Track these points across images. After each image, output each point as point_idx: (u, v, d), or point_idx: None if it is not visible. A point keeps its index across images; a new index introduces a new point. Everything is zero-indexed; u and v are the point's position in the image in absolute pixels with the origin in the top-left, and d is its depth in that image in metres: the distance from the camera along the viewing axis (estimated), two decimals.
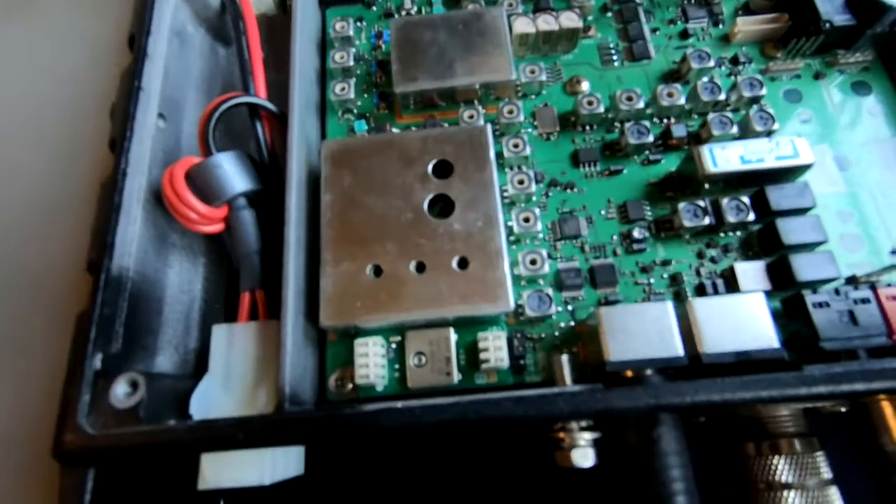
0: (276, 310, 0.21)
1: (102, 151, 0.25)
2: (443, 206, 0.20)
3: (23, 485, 0.21)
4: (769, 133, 0.21)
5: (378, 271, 0.19)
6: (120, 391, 0.17)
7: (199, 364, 0.22)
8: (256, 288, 0.21)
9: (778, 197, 0.20)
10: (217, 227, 0.21)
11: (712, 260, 0.20)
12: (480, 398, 0.16)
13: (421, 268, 0.19)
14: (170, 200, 0.20)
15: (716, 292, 0.20)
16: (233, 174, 0.21)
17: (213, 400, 0.19)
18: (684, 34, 0.25)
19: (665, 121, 0.23)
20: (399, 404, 0.17)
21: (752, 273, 0.20)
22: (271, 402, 0.19)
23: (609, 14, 0.25)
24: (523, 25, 0.24)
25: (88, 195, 0.26)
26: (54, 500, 0.17)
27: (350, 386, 0.20)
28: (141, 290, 0.20)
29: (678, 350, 0.17)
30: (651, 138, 0.22)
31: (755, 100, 0.22)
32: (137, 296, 0.20)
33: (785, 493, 0.19)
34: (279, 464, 0.19)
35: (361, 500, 0.21)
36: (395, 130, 0.24)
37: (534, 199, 0.22)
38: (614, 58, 0.25)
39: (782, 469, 0.18)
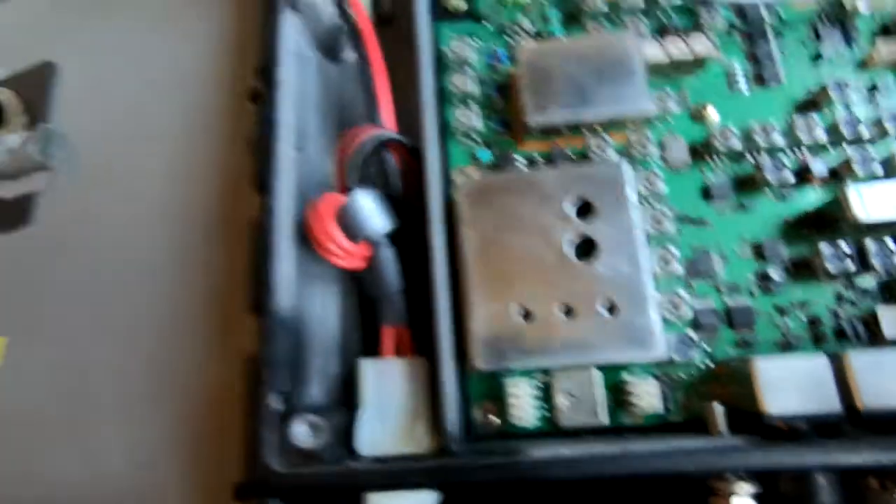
0: (421, 346, 0.22)
1: (226, 170, 0.25)
2: (585, 247, 0.21)
3: None
4: None
5: (527, 314, 0.20)
6: (300, 431, 0.18)
7: (341, 393, 0.23)
8: (400, 325, 0.22)
9: None
10: (358, 264, 0.22)
11: (851, 303, 0.21)
12: (651, 451, 0.17)
13: (569, 311, 0.20)
14: (317, 237, 0.21)
15: (857, 337, 0.20)
16: (375, 212, 0.21)
17: (371, 434, 0.20)
18: (817, 57, 0.24)
19: (800, 153, 0.22)
20: (565, 451, 0.18)
21: (895, 318, 0.20)
22: (429, 438, 0.20)
23: (735, 34, 0.25)
24: (654, 53, 0.23)
25: (210, 224, 0.27)
26: None
27: (495, 419, 0.21)
28: (295, 326, 0.21)
29: (836, 405, 0.17)
30: (789, 176, 0.21)
31: None
32: (294, 332, 0.21)
33: None
34: (433, 495, 0.20)
35: None
36: (519, 159, 0.24)
37: (667, 236, 0.22)
38: (741, 82, 0.24)
39: None
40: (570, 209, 0.21)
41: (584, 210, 0.21)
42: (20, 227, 0.32)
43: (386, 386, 0.21)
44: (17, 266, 0.31)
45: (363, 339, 0.24)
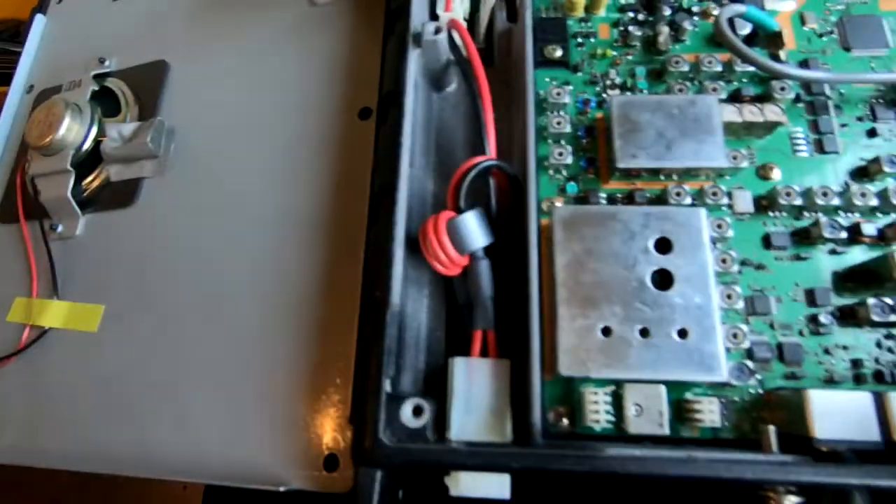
0: (502, 348, 0.24)
1: (324, 179, 0.28)
2: (663, 279, 0.24)
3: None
4: None
5: (607, 331, 0.23)
6: (407, 412, 0.21)
7: (427, 384, 0.25)
8: (489, 328, 0.25)
9: None
10: (457, 272, 0.25)
11: (890, 350, 0.24)
12: (716, 458, 0.19)
13: (644, 332, 0.23)
14: (431, 246, 0.24)
15: (893, 379, 0.23)
16: (478, 230, 0.24)
17: (461, 422, 0.23)
18: (872, 133, 0.27)
19: (850, 215, 0.25)
20: (637, 452, 0.20)
21: None
22: (510, 430, 0.22)
23: (800, 104, 0.28)
24: (730, 114, 0.26)
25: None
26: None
27: (565, 421, 0.24)
28: (400, 321, 0.24)
29: (876, 436, 0.20)
30: (844, 234, 0.24)
31: None
32: (399, 325, 0.23)
33: None
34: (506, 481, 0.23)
35: None
36: (602, 195, 0.27)
37: (730, 275, 0.25)
38: (804, 148, 0.27)
39: None
40: (651, 244, 0.24)
41: (663, 246, 0.24)
42: (125, 206, 0.35)
43: (474, 381, 0.24)
44: (119, 241, 0.35)
45: (448, 339, 0.27)
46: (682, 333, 0.23)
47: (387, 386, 0.21)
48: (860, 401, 0.21)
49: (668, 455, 0.20)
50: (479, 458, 0.20)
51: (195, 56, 0.38)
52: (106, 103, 0.38)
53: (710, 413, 0.22)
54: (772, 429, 0.21)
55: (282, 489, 0.24)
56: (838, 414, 0.20)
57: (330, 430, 0.25)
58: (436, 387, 0.24)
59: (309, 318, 0.28)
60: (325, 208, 0.30)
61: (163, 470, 0.27)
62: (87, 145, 0.35)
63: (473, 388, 0.24)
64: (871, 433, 0.20)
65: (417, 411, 0.21)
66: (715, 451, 0.21)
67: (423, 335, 0.26)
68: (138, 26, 0.41)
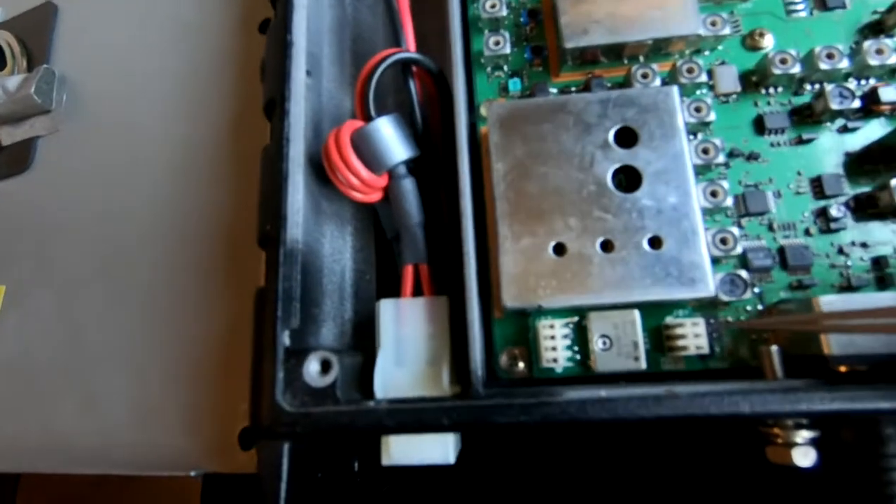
0: (439, 284, 0.20)
1: (232, 101, 0.23)
2: (627, 178, 0.19)
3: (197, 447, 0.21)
4: None
5: (561, 249, 0.18)
6: (312, 369, 0.17)
7: (356, 336, 0.21)
8: (420, 262, 0.20)
9: None
10: (376, 196, 0.20)
11: None
12: (702, 391, 0.15)
13: (607, 246, 0.18)
14: (336, 166, 0.19)
15: None
16: (395, 140, 0.20)
17: (391, 377, 0.19)
18: None
19: (865, 82, 0.20)
20: (603, 392, 0.16)
21: None
22: (450, 381, 0.18)
23: None
24: None
25: (224, 152, 0.25)
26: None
27: (521, 365, 0.19)
28: (307, 262, 0.19)
29: None
30: (857, 103, 0.19)
31: None
32: (306, 268, 0.19)
33: None
34: (455, 440, 0.19)
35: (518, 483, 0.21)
36: (553, 91, 0.22)
37: (714, 169, 0.20)
38: (801, 6, 0.22)
39: None
40: (612, 136, 0.19)
41: (627, 137, 0.19)
42: (20, 172, 0.31)
43: (405, 326, 0.19)
44: (15, 213, 0.30)
45: (381, 282, 0.23)
46: (655, 242, 0.18)
47: (285, 339, 0.17)
48: (883, 303, 0.16)
49: (641, 393, 0.16)
50: (400, 416, 0.16)
51: None
52: None
53: (695, 338, 0.17)
54: (774, 349, 0.17)
55: (192, 474, 0.20)
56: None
57: (245, 402, 0.21)
58: (368, 338, 0.20)
59: (217, 279, 0.23)
60: (228, 142, 0.25)
61: (70, 462, 0.23)
62: None
63: (404, 334, 0.19)
64: None
65: (326, 367, 0.17)
66: (704, 383, 0.17)
67: (348, 279, 0.22)
68: None
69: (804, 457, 0.15)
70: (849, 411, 0.14)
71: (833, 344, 0.16)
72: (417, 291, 0.20)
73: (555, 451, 0.20)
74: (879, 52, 0.20)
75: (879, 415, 0.14)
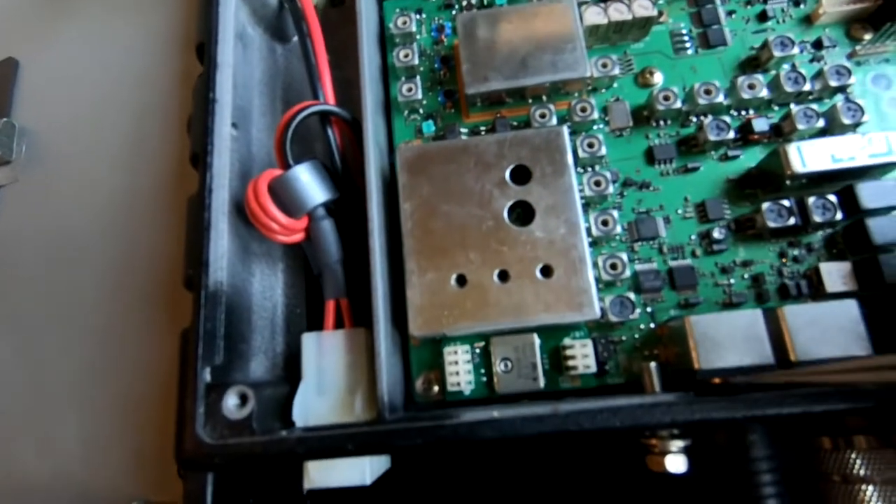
0: (360, 317, 0.22)
1: (172, 152, 0.25)
2: (523, 213, 0.20)
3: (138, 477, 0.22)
4: (857, 125, 0.20)
5: (462, 281, 0.20)
6: (231, 403, 0.18)
7: (287, 368, 0.23)
8: (341, 297, 0.22)
9: (869, 195, 0.19)
10: (298, 237, 0.22)
11: (795, 260, 0.20)
12: (578, 409, 0.16)
13: (504, 276, 0.20)
14: (254, 213, 0.21)
15: (799, 293, 0.20)
16: (312, 185, 0.21)
17: (311, 406, 0.20)
18: (762, 16, 0.23)
19: (744, 113, 0.22)
20: (496, 413, 0.17)
21: (837, 273, 0.19)
22: (368, 408, 0.20)
23: None
24: (594, 16, 0.23)
25: (152, 199, 0.27)
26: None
27: (436, 389, 0.21)
28: (233, 301, 0.21)
29: (769, 357, 0.17)
30: (732, 134, 0.21)
31: (841, 89, 0.21)
32: (231, 307, 0.20)
33: (862, 486, 0.19)
34: (375, 462, 0.20)
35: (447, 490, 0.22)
36: (464, 131, 0.24)
37: (609, 199, 0.22)
38: (688, 45, 0.24)
39: (860, 464, 0.19)
40: (507, 174, 0.21)
41: (522, 175, 0.21)
42: None
43: (325, 357, 0.21)
44: None
45: (312, 316, 0.24)
46: (546, 271, 0.19)
47: (206, 376, 0.18)
48: (748, 320, 0.17)
49: (528, 413, 0.17)
50: (309, 444, 0.17)
51: (44, 49, 0.35)
52: None
53: (584, 358, 0.19)
54: (652, 366, 0.18)
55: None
56: (724, 339, 0.17)
57: None
58: (299, 370, 0.21)
59: (159, 320, 0.25)
60: (168, 190, 0.27)
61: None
62: None
63: (325, 365, 0.21)
64: (764, 355, 0.17)
65: (244, 400, 0.19)
66: (588, 400, 0.18)
67: (280, 314, 0.23)
68: None
69: (676, 464, 0.17)
70: (704, 421, 0.16)
71: (701, 359, 0.17)
72: (340, 324, 0.22)
73: (480, 467, 0.22)
74: (751, 86, 0.22)
75: (731, 422, 0.16)
